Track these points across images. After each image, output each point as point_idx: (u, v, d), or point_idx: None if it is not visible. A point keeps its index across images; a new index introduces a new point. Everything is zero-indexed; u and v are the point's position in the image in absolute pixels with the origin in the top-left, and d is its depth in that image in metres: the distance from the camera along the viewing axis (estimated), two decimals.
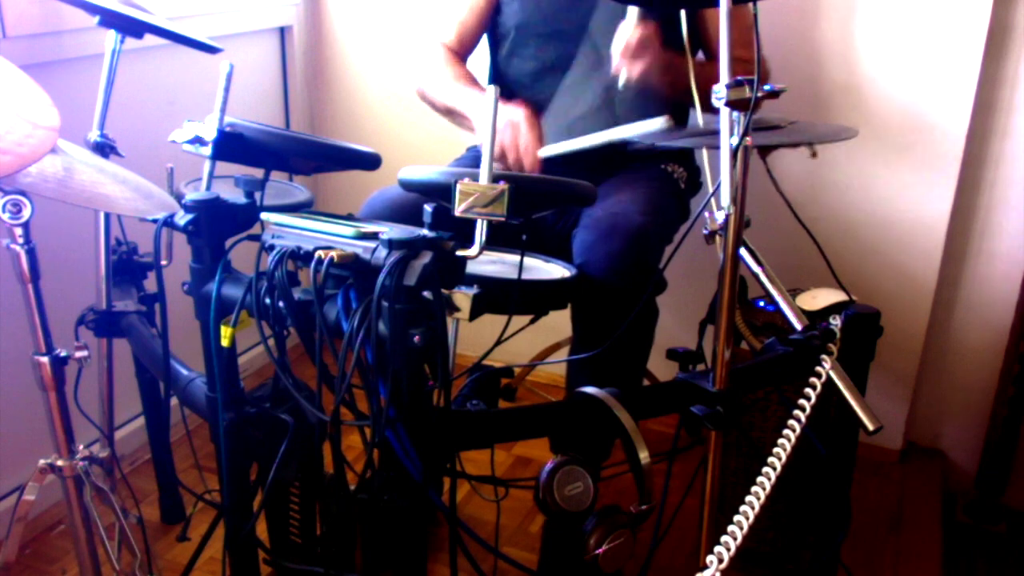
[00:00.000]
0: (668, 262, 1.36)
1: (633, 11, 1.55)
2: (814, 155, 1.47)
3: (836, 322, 1.29)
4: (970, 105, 1.85)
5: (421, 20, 2.30)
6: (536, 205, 1.20)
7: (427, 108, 1.85)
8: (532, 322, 1.41)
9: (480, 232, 1.07)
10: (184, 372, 1.40)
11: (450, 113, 1.76)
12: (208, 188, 1.34)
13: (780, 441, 1.15)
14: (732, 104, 1.07)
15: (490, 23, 1.83)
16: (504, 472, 2.04)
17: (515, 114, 1.57)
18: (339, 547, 1.31)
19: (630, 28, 1.55)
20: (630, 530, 1.09)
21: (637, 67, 1.57)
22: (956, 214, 1.95)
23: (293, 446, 1.22)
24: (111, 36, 1.48)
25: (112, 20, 1.45)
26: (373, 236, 1.05)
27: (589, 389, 1.17)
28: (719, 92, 1.06)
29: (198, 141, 1.28)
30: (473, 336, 1.57)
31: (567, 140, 1.59)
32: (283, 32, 2.38)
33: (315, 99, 2.50)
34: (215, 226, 1.21)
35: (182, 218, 1.20)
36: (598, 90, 1.66)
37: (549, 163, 1.69)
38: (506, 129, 1.56)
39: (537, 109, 1.64)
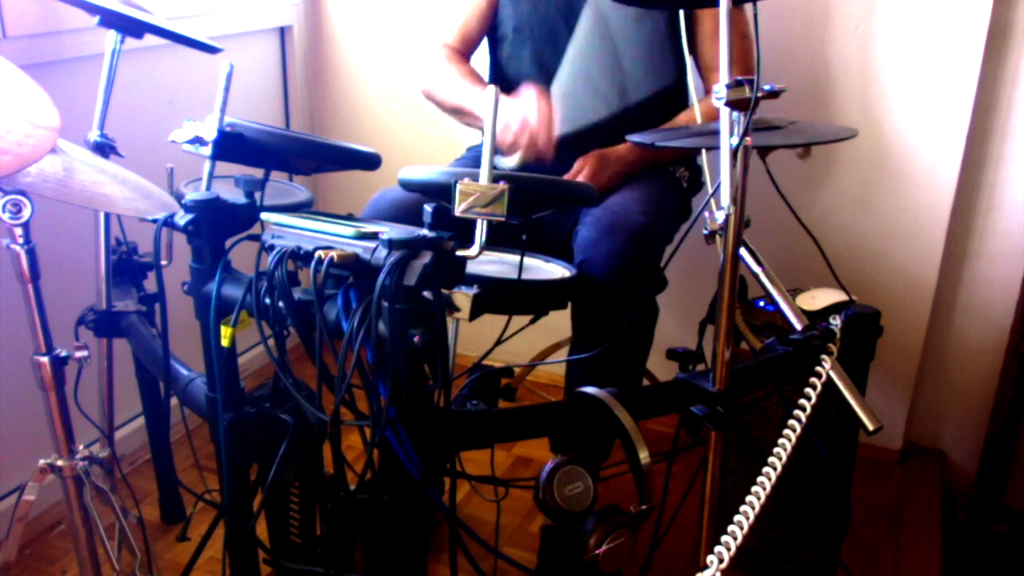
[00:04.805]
0: (668, 261, 1.36)
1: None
2: (802, 156, 1.47)
3: (836, 322, 1.28)
4: (970, 105, 1.85)
5: (421, 20, 2.30)
6: (536, 205, 1.20)
7: (428, 108, 1.85)
8: (532, 322, 1.41)
9: (480, 232, 1.07)
10: (184, 372, 1.40)
11: (459, 112, 1.76)
12: (208, 188, 1.34)
13: (780, 441, 1.15)
14: (732, 104, 1.07)
15: (490, 24, 1.83)
16: (504, 472, 2.04)
17: (525, 103, 1.56)
18: (339, 547, 1.30)
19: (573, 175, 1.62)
20: (630, 530, 1.09)
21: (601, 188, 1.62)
22: (956, 214, 1.95)
23: (293, 446, 1.22)
24: (111, 36, 1.48)
25: (112, 20, 1.45)
26: (373, 236, 1.05)
27: (589, 389, 1.17)
28: (719, 92, 1.06)
29: (198, 141, 1.27)
30: (473, 336, 1.57)
31: (579, 119, 1.60)
32: (283, 32, 2.38)
33: (315, 99, 2.50)
34: (215, 226, 1.21)
35: (182, 218, 1.20)
36: (604, 61, 1.66)
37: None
38: (518, 120, 1.54)
39: None
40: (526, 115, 1.54)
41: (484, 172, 1.06)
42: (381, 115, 2.42)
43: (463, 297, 1.04)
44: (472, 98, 1.71)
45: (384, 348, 1.01)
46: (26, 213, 1.05)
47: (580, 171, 1.62)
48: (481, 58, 1.90)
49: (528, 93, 1.57)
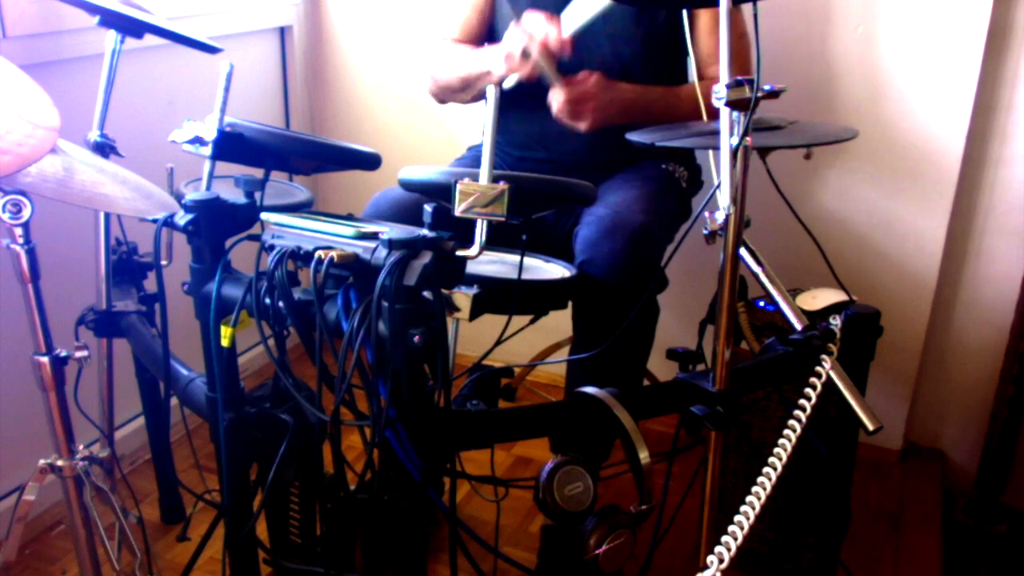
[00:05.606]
0: (668, 261, 1.37)
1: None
2: (808, 156, 1.47)
3: (836, 322, 1.29)
4: (970, 105, 1.85)
5: (421, 20, 2.30)
6: (536, 205, 1.20)
7: (429, 108, 1.85)
8: (532, 322, 1.41)
9: (480, 232, 1.07)
10: (184, 372, 1.40)
11: (467, 85, 1.71)
12: (208, 188, 1.34)
13: (780, 441, 1.15)
14: (732, 104, 1.07)
15: (488, 22, 1.83)
16: (504, 472, 2.04)
17: (526, 20, 1.53)
18: (339, 547, 1.30)
19: (558, 94, 1.55)
20: (630, 530, 1.09)
21: (582, 124, 1.58)
22: (956, 214, 1.95)
23: (293, 446, 1.22)
24: (111, 36, 1.48)
25: (112, 20, 1.45)
26: (373, 236, 1.05)
27: (589, 389, 1.17)
28: (719, 92, 1.06)
29: (198, 141, 1.28)
30: (473, 336, 1.57)
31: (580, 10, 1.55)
32: (283, 32, 2.38)
33: (315, 99, 2.50)
34: (215, 226, 1.21)
35: (182, 218, 1.20)
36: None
37: (552, 163, 1.69)
38: (522, 31, 1.51)
39: (535, 116, 1.63)
40: (528, 30, 1.50)
41: (484, 172, 1.06)
42: (381, 115, 2.42)
43: (463, 297, 1.04)
44: (473, 58, 1.68)
45: (384, 348, 1.01)
46: (26, 213, 1.05)
47: (586, 80, 1.57)
48: None
49: (528, 18, 1.54)
